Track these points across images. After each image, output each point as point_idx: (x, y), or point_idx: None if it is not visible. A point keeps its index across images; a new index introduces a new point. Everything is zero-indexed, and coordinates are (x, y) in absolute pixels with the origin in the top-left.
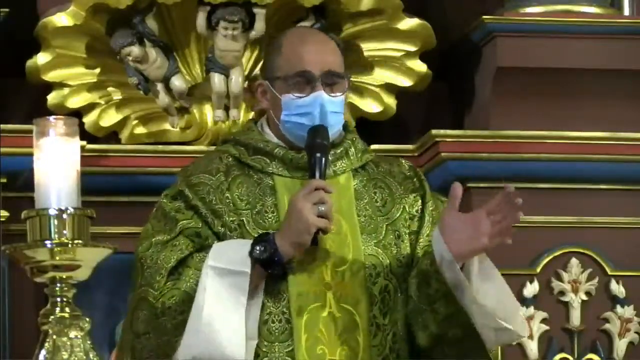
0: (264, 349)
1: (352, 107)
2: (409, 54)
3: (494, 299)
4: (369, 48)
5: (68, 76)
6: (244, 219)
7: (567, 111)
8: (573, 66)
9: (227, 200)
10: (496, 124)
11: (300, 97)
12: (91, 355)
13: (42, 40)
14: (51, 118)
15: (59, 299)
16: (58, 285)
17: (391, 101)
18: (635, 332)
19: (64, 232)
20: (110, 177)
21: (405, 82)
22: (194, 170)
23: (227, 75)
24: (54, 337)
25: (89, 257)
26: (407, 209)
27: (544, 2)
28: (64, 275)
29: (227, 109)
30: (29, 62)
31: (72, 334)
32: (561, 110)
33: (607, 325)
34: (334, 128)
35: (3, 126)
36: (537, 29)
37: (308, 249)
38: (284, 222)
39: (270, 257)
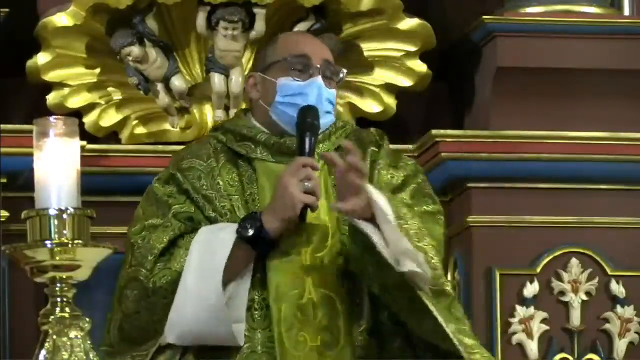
0: (247, 335)
1: (352, 107)
2: (409, 54)
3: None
4: (369, 48)
5: (68, 76)
6: (234, 204)
7: (567, 111)
8: (573, 66)
9: (218, 186)
10: (496, 124)
11: (298, 81)
12: (91, 355)
13: (42, 40)
14: (51, 118)
15: (59, 299)
16: (58, 285)
17: (391, 101)
18: (635, 332)
19: (64, 232)
20: (110, 177)
21: (405, 82)
22: (185, 155)
23: (227, 75)
24: (54, 337)
25: (89, 257)
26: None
27: (544, 2)
28: (64, 275)
29: (227, 109)
30: (29, 62)
31: (72, 334)
32: (561, 110)
33: (607, 325)
34: (326, 118)
35: (3, 126)
36: (537, 29)
37: (297, 226)
38: (271, 199)
39: (256, 234)
